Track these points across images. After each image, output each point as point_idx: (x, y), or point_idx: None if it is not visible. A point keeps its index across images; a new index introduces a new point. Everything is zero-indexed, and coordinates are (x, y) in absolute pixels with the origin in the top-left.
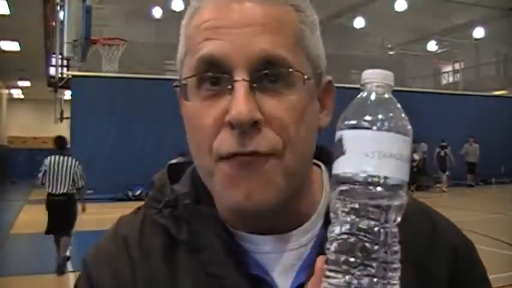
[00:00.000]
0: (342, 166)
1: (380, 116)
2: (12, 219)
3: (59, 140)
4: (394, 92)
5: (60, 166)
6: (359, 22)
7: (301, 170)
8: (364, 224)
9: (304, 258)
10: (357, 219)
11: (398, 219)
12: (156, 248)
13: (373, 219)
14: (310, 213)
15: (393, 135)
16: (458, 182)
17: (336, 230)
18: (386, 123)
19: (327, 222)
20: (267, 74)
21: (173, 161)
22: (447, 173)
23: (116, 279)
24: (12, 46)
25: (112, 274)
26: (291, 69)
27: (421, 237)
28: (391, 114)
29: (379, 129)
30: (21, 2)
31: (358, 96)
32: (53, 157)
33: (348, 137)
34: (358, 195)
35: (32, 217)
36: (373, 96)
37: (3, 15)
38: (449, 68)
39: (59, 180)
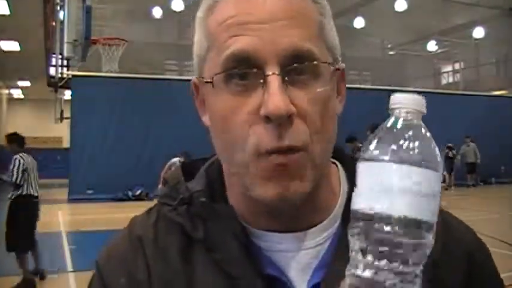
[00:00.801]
0: (355, 201)
1: (393, 147)
2: None
3: (18, 137)
4: (395, 92)
5: (33, 165)
6: (359, 22)
7: (325, 160)
8: (380, 265)
9: (321, 258)
10: (372, 261)
11: (420, 262)
12: (172, 246)
13: (388, 260)
14: (327, 212)
15: (408, 168)
16: (459, 182)
17: (352, 270)
18: (397, 155)
19: (344, 221)
20: (296, 67)
21: (175, 160)
22: (453, 173)
23: (131, 281)
24: (12, 46)
25: (126, 276)
26: (317, 61)
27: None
28: (407, 146)
29: (390, 161)
30: (21, 2)
31: (383, 124)
32: (24, 155)
33: (361, 169)
34: (371, 233)
35: None
36: (397, 125)
37: (3, 15)
38: (449, 68)
39: (36, 180)
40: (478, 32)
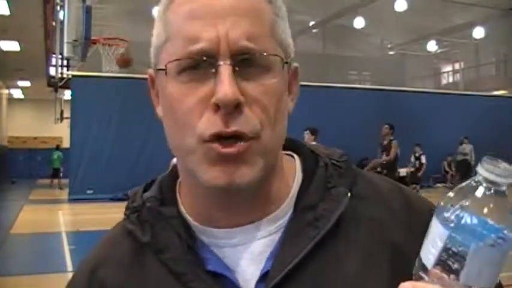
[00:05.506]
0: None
1: None
2: (12, 219)
3: None
4: (395, 92)
5: None
6: (359, 22)
7: (275, 151)
8: None
9: (273, 247)
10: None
11: None
12: (125, 254)
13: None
14: (280, 202)
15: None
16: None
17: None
18: None
19: (295, 211)
20: (247, 58)
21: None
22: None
23: None
24: (12, 46)
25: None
26: (267, 54)
27: (396, 216)
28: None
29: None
30: (21, 2)
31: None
32: None
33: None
34: None
35: (32, 217)
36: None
37: (3, 15)
38: (449, 68)
39: None
40: (478, 32)
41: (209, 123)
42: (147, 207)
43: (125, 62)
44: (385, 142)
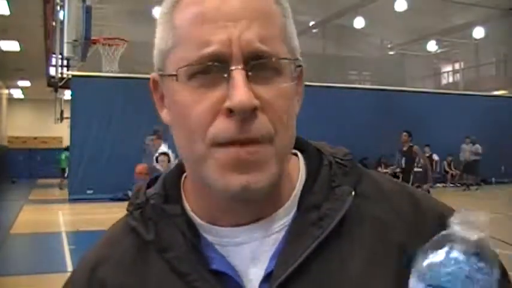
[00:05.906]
0: None
1: None
2: (12, 219)
3: None
4: (395, 92)
5: None
6: (359, 22)
7: (288, 154)
8: None
9: (277, 245)
10: None
11: None
12: (127, 251)
13: None
14: (284, 201)
15: None
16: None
17: None
18: None
19: (299, 209)
20: (260, 63)
21: None
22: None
23: None
24: (12, 46)
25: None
26: (279, 59)
27: (403, 217)
28: None
29: None
30: (21, 2)
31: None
32: None
33: None
34: None
35: (32, 217)
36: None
37: (3, 15)
38: (449, 68)
39: None
40: (478, 32)
41: (223, 128)
42: (150, 204)
43: (141, 174)
44: (405, 148)
